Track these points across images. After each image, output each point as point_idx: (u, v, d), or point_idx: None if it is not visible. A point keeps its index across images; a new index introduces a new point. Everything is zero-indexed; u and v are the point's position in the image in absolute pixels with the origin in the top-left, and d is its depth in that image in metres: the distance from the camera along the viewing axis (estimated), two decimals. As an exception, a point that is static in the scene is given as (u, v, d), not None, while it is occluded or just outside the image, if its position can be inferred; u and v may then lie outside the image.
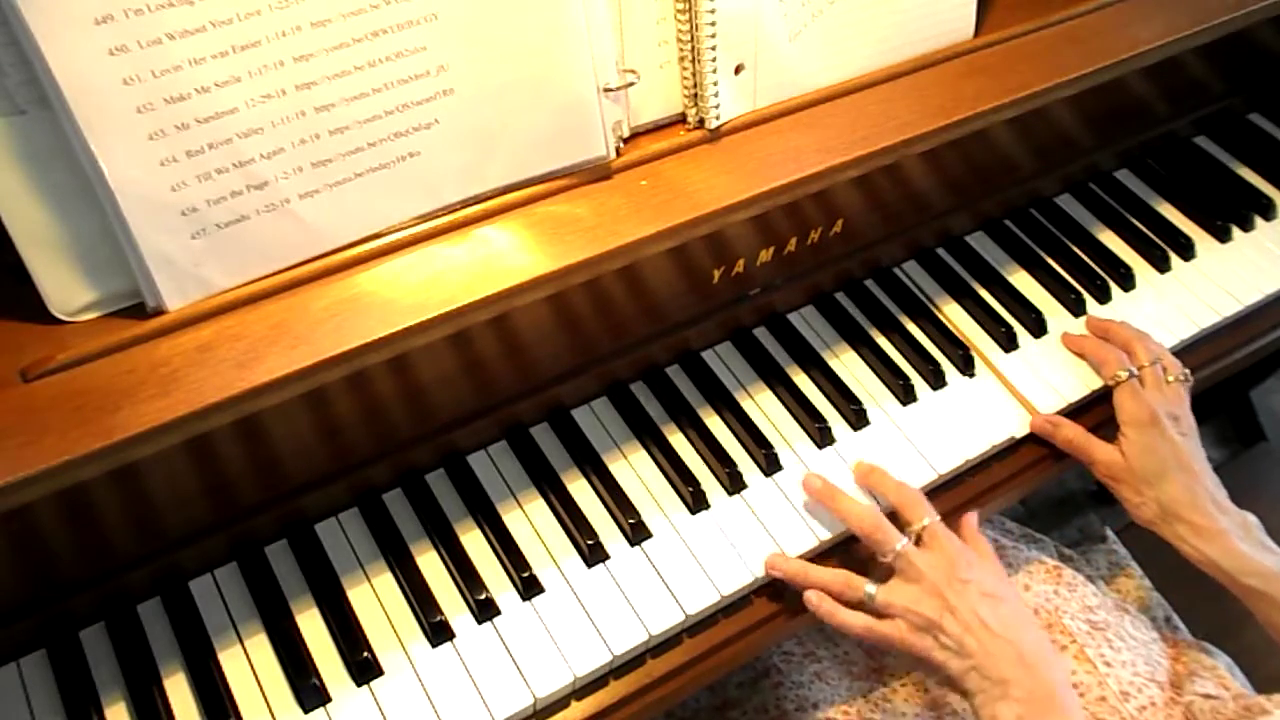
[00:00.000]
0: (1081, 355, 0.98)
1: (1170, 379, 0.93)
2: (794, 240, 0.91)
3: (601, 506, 0.84)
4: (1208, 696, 0.88)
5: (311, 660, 0.73)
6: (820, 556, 0.84)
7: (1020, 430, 0.93)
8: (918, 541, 0.80)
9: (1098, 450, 0.91)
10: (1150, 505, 0.88)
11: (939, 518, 0.81)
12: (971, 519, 0.85)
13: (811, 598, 0.79)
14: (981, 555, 0.81)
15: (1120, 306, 1.04)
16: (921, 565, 0.78)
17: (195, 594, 0.76)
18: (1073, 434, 0.92)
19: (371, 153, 0.67)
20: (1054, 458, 0.94)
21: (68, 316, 0.64)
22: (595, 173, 0.75)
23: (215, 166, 0.62)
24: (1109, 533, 1.11)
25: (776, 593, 0.83)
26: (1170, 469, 0.87)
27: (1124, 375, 0.92)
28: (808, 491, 0.85)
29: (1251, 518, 0.87)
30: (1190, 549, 0.86)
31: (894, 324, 0.99)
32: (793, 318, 0.99)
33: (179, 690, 0.72)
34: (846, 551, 0.85)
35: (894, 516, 0.83)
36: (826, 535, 0.84)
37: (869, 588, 0.78)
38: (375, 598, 0.78)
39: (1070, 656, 0.90)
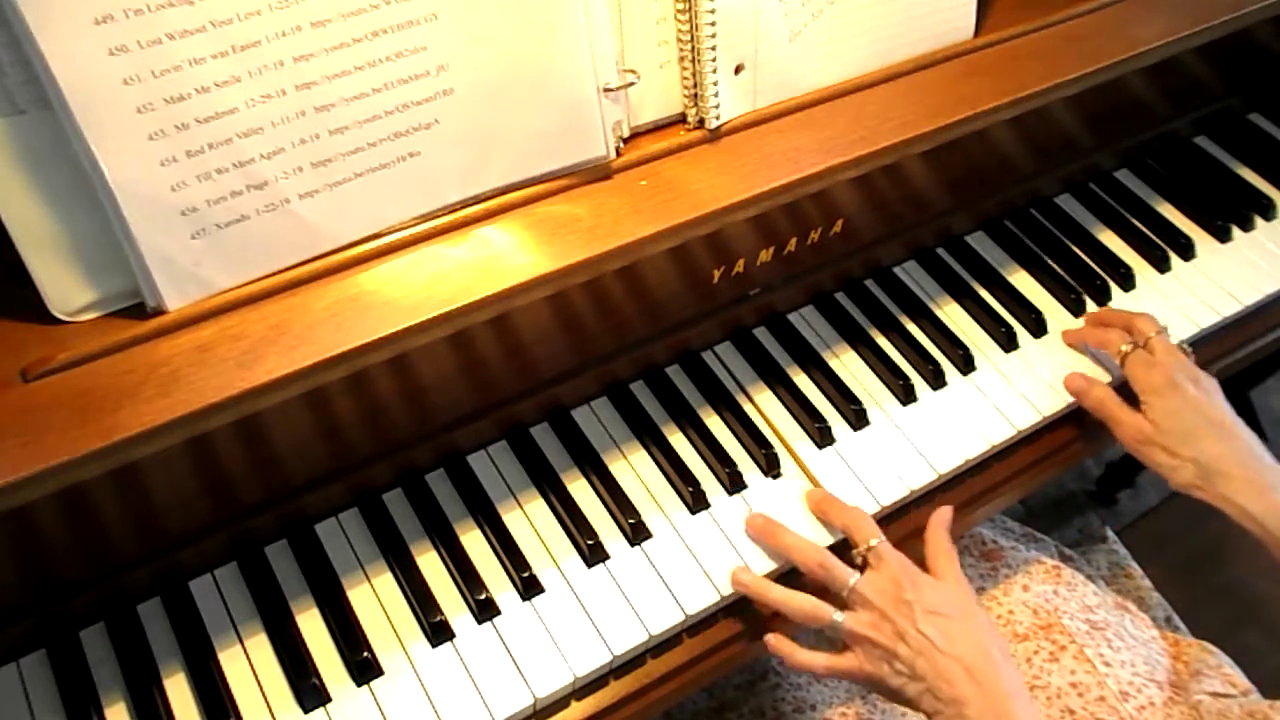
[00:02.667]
0: (1082, 346, 0.98)
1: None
2: (794, 240, 0.91)
3: (601, 506, 0.84)
4: (1216, 695, 0.88)
5: (311, 660, 0.73)
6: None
7: (1021, 426, 0.93)
8: (865, 564, 0.79)
9: (1125, 414, 0.89)
10: (1187, 467, 0.85)
11: (884, 538, 0.79)
12: (939, 516, 0.83)
13: (771, 640, 0.78)
14: (937, 560, 0.80)
15: (1120, 307, 1.03)
16: (870, 594, 0.76)
17: (195, 594, 0.76)
18: (1103, 394, 0.91)
19: (372, 152, 0.67)
20: (1054, 458, 0.94)
21: (68, 316, 0.64)
22: (595, 173, 0.75)
23: (215, 166, 0.62)
24: (1109, 533, 1.11)
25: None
26: (1201, 426, 0.85)
27: (1127, 348, 0.92)
28: (750, 531, 0.83)
29: None
30: (1234, 508, 0.83)
31: (894, 324, 0.99)
32: (793, 318, 0.99)
33: (179, 690, 0.72)
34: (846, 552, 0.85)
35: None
36: (829, 539, 0.84)
37: (837, 616, 0.77)
38: (375, 598, 0.78)
39: (1070, 656, 0.90)
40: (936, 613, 0.75)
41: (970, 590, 0.79)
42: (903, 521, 0.88)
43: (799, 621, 0.78)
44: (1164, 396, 0.87)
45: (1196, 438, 0.85)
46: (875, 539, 0.79)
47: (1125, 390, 0.91)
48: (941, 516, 0.84)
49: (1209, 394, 0.88)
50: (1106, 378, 0.95)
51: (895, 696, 0.76)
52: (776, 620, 0.81)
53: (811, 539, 0.82)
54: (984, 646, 0.75)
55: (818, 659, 0.77)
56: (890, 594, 0.76)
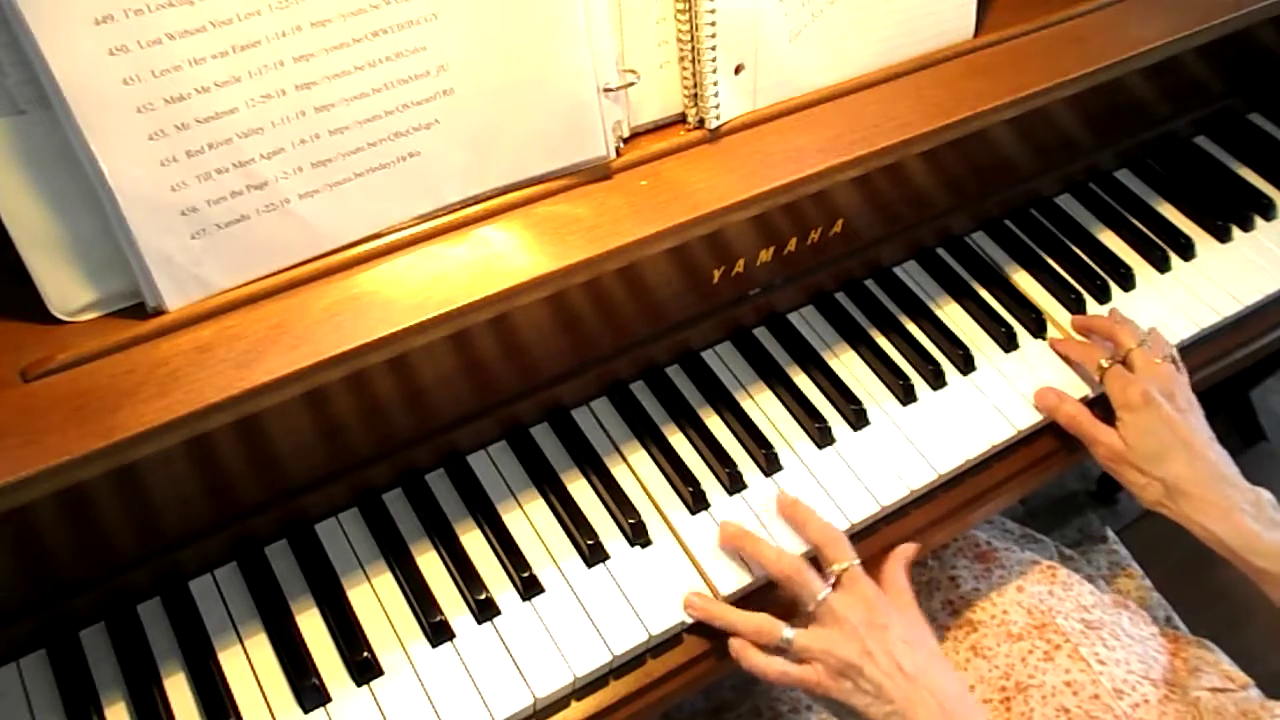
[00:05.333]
0: (1067, 359, 0.98)
1: (1158, 359, 0.92)
2: (794, 240, 0.91)
3: (601, 506, 0.84)
4: (1215, 690, 0.88)
5: (311, 660, 0.73)
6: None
7: (1021, 427, 0.93)
8: (836, 584, 0.78)
9: (1099, 432, 0.90)
10: (1155, 486, 0.86)
11: (859, 561, 0.78)
12: (901, 553, 0.82)
13: (733, 643, 0.77)
14: (898, 596, 0.79)
15: (1120, 306, 1.03)
16: (840, 609, 0.75)
17: (195, 594, 0.76)
18: (1075, 411, 0.91)
19: (371, 153, 0.67)
20: (1053, 458, 0.94)
21: (68, 316, 0.64)
22: (595, 173, 0.75)
23: (215, 166, 0.62)
24: (1109, 533, 1.11)
25: (777, 594, 0.82)
26: (1170, 446, 0.85)
27: (1106, 363, 0.92)
28: (722, 540, 0.82)
29: (1265, 494, 0.84)
30: (1198, 527, 0.84)
31: (894, 324, 0.99)
32: (793, 318, 0.99)
33: (179, 690, 0.72)
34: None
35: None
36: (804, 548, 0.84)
37: (786, 632, 0.75)
38: (375, 598, 0.78)
39: (1064, 655, 0.90)
40: (909, 642, 0.74)
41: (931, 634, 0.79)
42: (902, 523, 0.88)
43: (751, 639, 0.77)
44: (1138, 414, 0.87)
45: (1165, 458, 0.85)
46: (849, 560, 0.78)
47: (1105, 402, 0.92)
48: (905, 551, 0.83)
49: (1184, 412, 0.88)
50: (1085, 390, 0.95)
51: (858, 715, 0.75)
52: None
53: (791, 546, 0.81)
54: (955, 683, 0.74)
55: (774, 663, 0.76)
56: (863, 614, 0.75)
